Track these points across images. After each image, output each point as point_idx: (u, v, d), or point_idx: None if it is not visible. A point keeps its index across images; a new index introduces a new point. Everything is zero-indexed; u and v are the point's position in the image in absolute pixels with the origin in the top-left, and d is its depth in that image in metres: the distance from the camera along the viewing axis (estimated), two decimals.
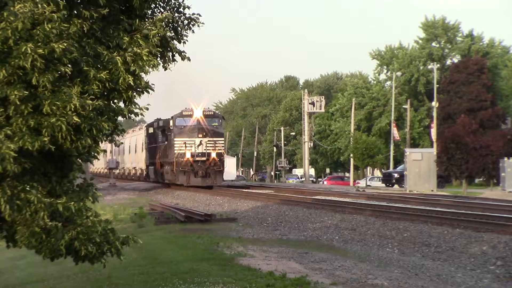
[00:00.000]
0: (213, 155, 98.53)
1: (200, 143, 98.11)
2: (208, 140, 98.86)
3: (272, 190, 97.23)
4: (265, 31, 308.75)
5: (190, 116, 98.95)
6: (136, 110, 21.60)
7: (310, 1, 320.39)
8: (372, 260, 41.85)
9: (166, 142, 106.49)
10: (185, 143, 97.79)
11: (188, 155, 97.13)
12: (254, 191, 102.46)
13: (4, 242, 22.14)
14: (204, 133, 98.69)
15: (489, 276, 37.12)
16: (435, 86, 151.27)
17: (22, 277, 38.22)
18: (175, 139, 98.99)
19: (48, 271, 34.52)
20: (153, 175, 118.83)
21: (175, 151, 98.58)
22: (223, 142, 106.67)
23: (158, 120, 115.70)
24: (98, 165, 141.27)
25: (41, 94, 18.44)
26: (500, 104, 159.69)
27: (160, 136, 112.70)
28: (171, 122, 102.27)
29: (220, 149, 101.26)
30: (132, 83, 19.90)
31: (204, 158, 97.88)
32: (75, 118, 18.67)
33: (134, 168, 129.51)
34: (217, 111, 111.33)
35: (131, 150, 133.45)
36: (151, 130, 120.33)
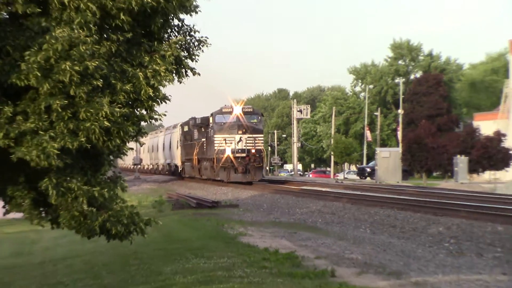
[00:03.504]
0: (253, 151, 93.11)
1: (240, 140, 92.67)
2: (248, 137, 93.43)
3: (266, 182, 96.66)
4: (262, 49, 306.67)
5: (230, 113, 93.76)
6: (156, 116, 21.77)
7: (300, 27, 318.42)
8: (349, 238, 41.95)
9: (204, 139, 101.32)
10: (225, 139, 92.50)
11: (228, 152, 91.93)
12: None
13: (49, 224, 22.32)
14: (244, 130, 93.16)
15: (444, 252, 37.21)
16: (401, 96, 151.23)
17: (63, 253, 38.29)
18: (215, 135, 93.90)
19: (85, 248, 34.58)
20: (188, 170, 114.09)
21: (215, 148, 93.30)
22: (262, 138, 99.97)
23: (193, 118, 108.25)
24: (127, 161, 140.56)
25: (78, 103, 18.55)
26: (454, 112, 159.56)
27: (196, 133, 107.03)
28: (210, 119, 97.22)
29: (259, 146, 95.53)
30: (152, 95, 20.01)
31: (244, 155, 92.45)
32: (106, 123, 18.80)
33: (169, 163, 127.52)
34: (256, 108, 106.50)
35: (165, 147, 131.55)
36: (186, 128, 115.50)
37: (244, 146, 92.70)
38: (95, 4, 18.57)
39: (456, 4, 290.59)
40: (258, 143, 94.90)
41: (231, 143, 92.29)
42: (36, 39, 18.28)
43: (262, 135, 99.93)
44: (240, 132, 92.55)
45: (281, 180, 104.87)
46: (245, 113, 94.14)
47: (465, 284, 26.42)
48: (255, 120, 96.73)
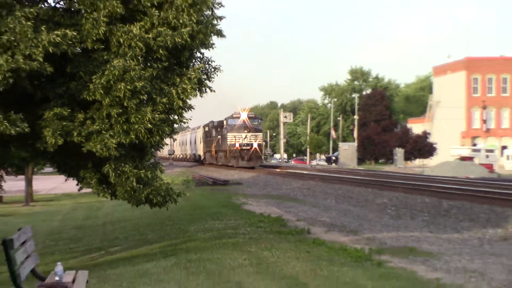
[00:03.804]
0: (255, 145, 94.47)
1: (246, 137, 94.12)
2: (251, 135, 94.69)
3: (263, 167, 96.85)
4: (261, 73, 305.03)
5: (238, 117, 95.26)
6: (184, 120, 21.92)
7: (288, 56, 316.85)
8: (320, 206, 41.92)
9: (219, 136, 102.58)
10: (235, 136, 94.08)
11: (237, 145, 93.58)
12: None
13: (109, 196, 22.41)
14: (248, 130, 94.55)
15: (387, 216, 37.30)
16: (356, 107, 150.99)
17: (119, 217, 38.33)
18: (228, 134, 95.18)
19: (134, 213, 34.62)
20: (208, 158, 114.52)
21: (228, 142, 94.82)
22: (261, 136, 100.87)
23: (212, 121, 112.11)
24: (164, 152, 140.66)
25: (129, 111, 18.63)
26: (394, 117, 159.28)
27: (214, 132, 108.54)
28: (224, 122, 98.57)
29: (259, 141, 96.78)
30: (181, 105, 20.09)
31: (248, 147, 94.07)
32: (149, 125, 18.92)
33: (195, 154, 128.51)
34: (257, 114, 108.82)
35: (192, 142, 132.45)
36: (207, 128, 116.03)
37: (249, 141, 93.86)
38: (142, 43, 18.65)
39: (395, 39, 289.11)
40: (258, 139, 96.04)
41: (239, 139, 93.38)
42: (100, 67, 18.36)
43: (261, 133, 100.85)
44: (245, 131, 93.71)
45: (273, 165, 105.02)
46: (249, 117, 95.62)
47: (402, 239, 26.45)
48: (256, 123, 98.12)
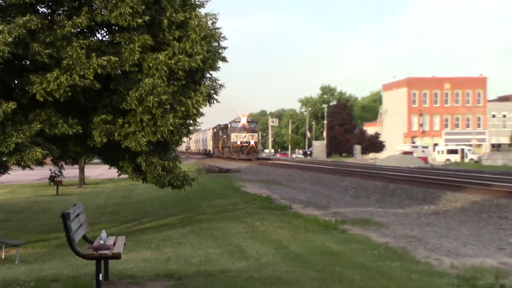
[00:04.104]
0: (252, 142, 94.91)
1: (245, 136, 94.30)
2: (249, 135, 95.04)
3: (257, 159, 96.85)
4: (252, 84, 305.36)
5: (239, 121, 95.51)
6: (198, 124, 21.96)
7: (274, 72, 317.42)
8: (298, 189, 41.86)
9: (225, 136, 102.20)
10: (237, 136, 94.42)
11: (238, 142, 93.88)
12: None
13: (141, 180, 22.36)
14: (247, 131, 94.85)
15: (348, 196, 37.22)
16: (325, 114, 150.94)
17: (148, 196, 38.27)
18: (231, 134, 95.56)
19: (160, 193, 34.50)
20: (216, 153, 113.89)
21: (232, 140, 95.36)
22: (257, 135, 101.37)
23: (219, 124, 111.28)
24: (182, 147, 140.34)
25: (157, 117, 18.61)
26: (353, 122, 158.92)
27: (221, 132, 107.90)
28: (229, 125, 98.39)
29: (255, 140, 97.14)
30: (195, 112, 20.09)
31: (247, 144, 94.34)
32: (171, 128, 18.89)
33: (206, 149, 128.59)
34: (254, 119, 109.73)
35: (204, 140, 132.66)
36: (215, 130, 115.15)
37: (247, 139, 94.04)
38: (166, 67, 18.66)
39: (354, 62, 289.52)
40: (254, 138, 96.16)
41: (240, 138, 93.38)
42: (135, 84, 18.35)
43: (257, 133, 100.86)
44: (245, 132, 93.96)
45: (264, 158, 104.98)
46: (247, 121, 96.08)
47: (360, 213, 26.45)
48: (253, 126, 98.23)
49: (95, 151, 22.68)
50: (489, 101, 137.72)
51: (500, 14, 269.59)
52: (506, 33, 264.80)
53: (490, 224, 23.43)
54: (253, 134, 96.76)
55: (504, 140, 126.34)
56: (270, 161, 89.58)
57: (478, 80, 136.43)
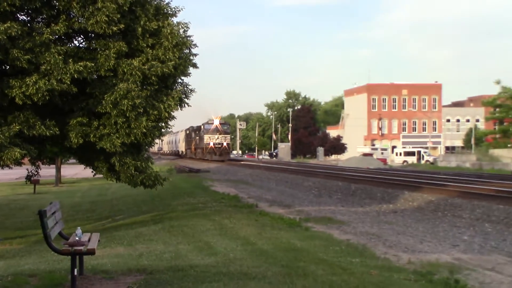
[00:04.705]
0: (224, 144, 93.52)
1: (218, 138, 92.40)
2: (222, 136, 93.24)
3: (228, 160, 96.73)
4: (220, 88, 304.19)
5: (212, 123, 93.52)
6: (169, 127, 22.06)
7: (242, 80, 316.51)
8: (264, 188, 41.91)
9: (198, 137, 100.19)
10: (210, 137, 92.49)
11: (211, 144, 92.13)
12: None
13: (115, 179, 22.27)
14: (219, 132, 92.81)
15: (312, 194, 37.29)
16: (290, 117, 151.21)
17: (122, 194, 38.10)
18: (205, 135, 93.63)
19: (133, 192, 34.28)
20: (188, 154, 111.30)
21: (205, 142, 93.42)
22: (229, 137, 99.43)
23: (192, 126, 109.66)
24: (154, 148, 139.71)
25: (130, 120, 18.55)
26: (317, 125, 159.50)
27: (193, 134, 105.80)
28: (202, 126, 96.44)
29: (228, 141, 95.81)
30: (167, 116, 20.06)
31: (219, 146, 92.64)
32: (144, 130, 18.86)
33: (178, 151, 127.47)
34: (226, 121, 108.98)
35: (176, 141, 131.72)
36: (187, 131, 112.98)
37: (220, 141, 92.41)
38: (140, 72, 18.61)
39: (318, 69, 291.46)
40: (227, 139, 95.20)
41: (213, 139, 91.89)
42: (110, 89, 18.29)
43: (229, 135, 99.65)
44: (218, 134, 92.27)
45: (233, 159, 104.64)
46: (220, 123, 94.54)
47: (323, 211, 26.51)
48: (225, 128, 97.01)
49: (71, 152, 22.58)
50: (444, 106, 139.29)
51: (454, 23, 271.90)
52: (459, 42, 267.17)
53: (444, 222, 23.62)
54: (225, 136, 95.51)
55: (458, 143, 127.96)
56: (238, 162, 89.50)
57: (433, 87, 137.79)
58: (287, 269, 11.93)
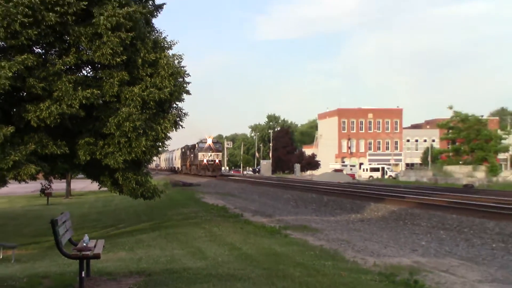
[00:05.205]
0: (217, 161, 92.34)
1: (210, 155, 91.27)
2: (215, 154, 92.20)
3: (220, 176, 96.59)
4: (209, 111, 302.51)
5: (205, 142, 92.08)
6: (166, 146, 21.97)
7: (231, 105, 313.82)
8: (249, 200, 41.80)
9: (192, 155, 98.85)
10: (203, 155, 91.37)
11: (205, 161, 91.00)
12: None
13: (118, 192, 22.11)
14: (212, 150, 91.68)
15: (290, 205, 37.23)
16: (271, 138, 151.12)
17: (124, 205, 37.88)
18: (199, 153, 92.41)
19: (134, 203, 34.06)
20: (184, 170, 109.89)
21: (199, 159, 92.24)
22: (221, 154, 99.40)
23: (187, 145, 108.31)
24: (153, 165, 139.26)
25: (131, 140, 18.50)
26: (294, 145, 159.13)
27: (188, 152, 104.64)
28: (196, 145, 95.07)
29: (219, 158, 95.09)
30: (164, 136, 19.99)
31: (212, 162, 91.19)
32: (144, 148, 18.80)
33: (174, 167, 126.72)
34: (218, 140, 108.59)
35: (173, 159, 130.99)
36: (183, 150, 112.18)
37: (213, 158, 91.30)
38: (140, 98, 18.55)
39: (296, 96, 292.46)
40: (219, 157, 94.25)
41: (206, 156, 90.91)
42: (114, 113, 18.23)
43: (221, 153, 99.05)
44: (210, 151, 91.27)
45: (223, 174, 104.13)
46: (213, 142, 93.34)
47: (299, 220, 26.46)
48: (218, 146, 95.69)
49: (79, 168, 22.38)
50: (404, 128, 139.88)
51: (412, 55, 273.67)
52: (418, 71, 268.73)
53: (405, 229, 23.65)
54: (217, 153, 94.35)
55: (416, 160, 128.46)
56: (226, 177, 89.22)
57: (395, 111, 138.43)
58: (269, 271, 11.89)
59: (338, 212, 32.29)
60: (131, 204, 36.57)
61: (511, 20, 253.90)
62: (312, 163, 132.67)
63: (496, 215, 25.53)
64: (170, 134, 21.20)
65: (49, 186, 29.68)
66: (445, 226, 23.89)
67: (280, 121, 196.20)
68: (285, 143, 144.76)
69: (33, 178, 18.44)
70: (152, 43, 20.03)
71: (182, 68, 20.87)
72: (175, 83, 20.14)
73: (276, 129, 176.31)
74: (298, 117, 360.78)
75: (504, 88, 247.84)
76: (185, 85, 21.29)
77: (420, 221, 26.03)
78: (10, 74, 16.18)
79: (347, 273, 12.18)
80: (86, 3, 17.43)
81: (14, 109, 18.14)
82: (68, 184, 52.61)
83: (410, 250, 17.45)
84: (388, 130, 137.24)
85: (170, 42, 21.18)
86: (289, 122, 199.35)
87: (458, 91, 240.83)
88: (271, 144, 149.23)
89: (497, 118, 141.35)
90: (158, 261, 13.96)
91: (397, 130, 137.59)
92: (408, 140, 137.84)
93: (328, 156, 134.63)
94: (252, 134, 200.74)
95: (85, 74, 20.04)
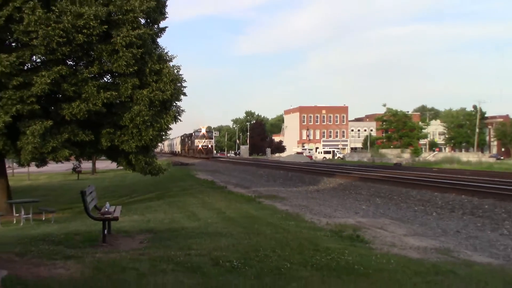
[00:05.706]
0: (209, 146, 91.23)
1: (204, 141, 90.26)
2: (208, 140, 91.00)
3: (212, 158, 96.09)
4: (199, 107, 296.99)
5: (200, 131, 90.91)
6: (168, 134, 21.83)
7: (218, 101, 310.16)
8: (231, 176, 41.77)
9: (190, 141, 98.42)
10: (199, 141, 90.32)
11: (200, 146, 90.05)
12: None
13: (132, 170, 22.00)
14: (206, 138, 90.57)
15: (263, 179, 37.25)
16: (248, 129, 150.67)
17: (136, 180, 37.64)
18: (195, 140, 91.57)
19: (143, 179, 33.66)
20: (183, 153, 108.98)
21: (195, 145, 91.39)
22: (213, 141, 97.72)
23: (185, 133, 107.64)
24: (158, 149, 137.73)
25: (142, 130, 18.43)
26: (266, 134, 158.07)
27: (186, 139, 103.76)
28: (193, 133, 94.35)
29: (212, 144, 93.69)
30: (166, 128, 19.87)
31: (206, 147, 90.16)
32: (151, 137, 18.70)
33: (175, 151, 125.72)
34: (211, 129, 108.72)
35: (174, 145, 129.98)
36: (182, 137, 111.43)
37: (206, 144, 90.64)
38: (148, 98, 18.40)
39: (268, 95, 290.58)
40: (211, 143, 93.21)
41: (201, 143, 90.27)
42: (128, 110, 18.12)
43: (213, 140, 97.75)
44: (204, 138, 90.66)
45: (214, 156, 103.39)
46: (206, 131, 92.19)
47: (270, 190, 26.56)
48: (210, 134, 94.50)
49: (102, 152, 22.10)
50: (350, 121, 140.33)
51: (356, 63, 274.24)
52: (360, 77, 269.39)
53: (350, 197, 23.86)
54: (210, 140, 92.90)
55: (359, 145, 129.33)
56: (215, 159, 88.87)
57: (343, 108, 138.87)
58: (247, 229, 12.01)
59: (300, 184, 32.46)
60: (141, 179, 36.36)
61: (427, 40, 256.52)
62: (280, 148, 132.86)
63: (417, 186, 25.91)
64: (171, 126, 21.18)
65: (79, 166, 29.82)
66: (380, 195, 24.15)
67: (255, 116, 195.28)
68: (259, 133, 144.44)
69: (67, 159, 18.59)
70: (157, 56, 19.90)
71: (180, 76, 20.77)
72: (174, 87, 20.03)
73: (252, 122, 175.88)
74: (269, 113, 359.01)
75: (424, 90, 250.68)
76: (182, 89, 21.21)
77: (361, 191, 26.27)
78: (49, 80, 16.37)
79: (306, 230, 12.33)
80: (107, 26, 17.36)
81: (52, 107, 18.05)
82: (94, 164, 52.48)
83: (353, 213, 17.65)
84: (337, 122, 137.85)
85: (171, 56, 21.06)
86: (262, 116, 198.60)
87: (390, 92, 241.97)
88: (248, 133, 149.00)
89: (419, 113, 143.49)
90: (162, 222, 14.02)
91: (344, 122, 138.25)
92: (352, 130, 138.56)
93: (292, 142, 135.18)
94: (234, 126, 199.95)
95: (106, 80, 19.86)
